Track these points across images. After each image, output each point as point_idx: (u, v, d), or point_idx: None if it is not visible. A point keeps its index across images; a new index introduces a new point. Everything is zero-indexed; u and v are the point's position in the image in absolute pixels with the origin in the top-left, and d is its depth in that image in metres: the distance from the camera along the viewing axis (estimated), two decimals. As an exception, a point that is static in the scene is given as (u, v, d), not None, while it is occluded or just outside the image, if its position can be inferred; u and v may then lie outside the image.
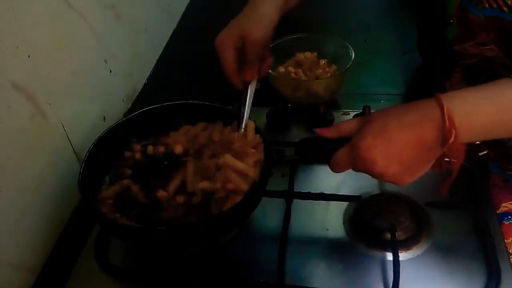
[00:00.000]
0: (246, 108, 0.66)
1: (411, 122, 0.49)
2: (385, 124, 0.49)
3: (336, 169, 0.54)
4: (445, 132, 0.47)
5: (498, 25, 0.64)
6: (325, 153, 0.57)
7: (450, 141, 0.46)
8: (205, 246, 0.65)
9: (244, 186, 0.59)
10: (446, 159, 0.50)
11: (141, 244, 0.61)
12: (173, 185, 0.64)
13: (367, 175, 0.52)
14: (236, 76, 0.65)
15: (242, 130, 0.65)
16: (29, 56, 0.61)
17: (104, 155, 0.66)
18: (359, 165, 0.50)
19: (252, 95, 0.67)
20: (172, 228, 0.58)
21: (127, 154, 0.69)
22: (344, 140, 0.53)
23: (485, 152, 0.73)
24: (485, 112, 0.48)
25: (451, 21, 0.69)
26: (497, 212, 0.68)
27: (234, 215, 0.59)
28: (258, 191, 0.61)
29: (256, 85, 0.68)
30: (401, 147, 0.48)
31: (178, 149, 0.68)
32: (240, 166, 0.59)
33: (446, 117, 0.46)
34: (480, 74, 0.71)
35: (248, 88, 0.67)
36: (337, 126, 0.55)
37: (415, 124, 0.48)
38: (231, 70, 0.65)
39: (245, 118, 0.65)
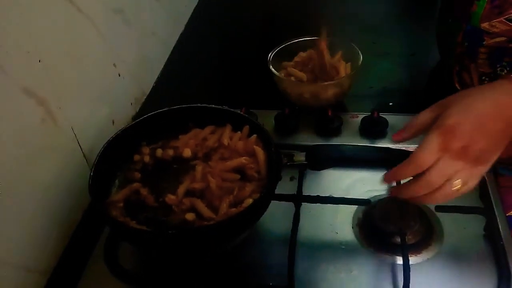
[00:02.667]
0: None
1: (493, 96, 0.50)
2: (469, 103, 0.50)
3: (424, 156, 0.50)
4: None
5: None
6: (335, 159, 0.57)
7: None
8: (215, 251, 0.65)
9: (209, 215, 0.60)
10: None
11: (151, 248, 0.61)
12: (182, 189, 0.64)
13: (378, 179, 0.51)
14: None
15: None
16: (39, 61, 0.61)
17: (113, 158, 0.66)
18: (453, 144, 0.49)
19: None
20: (182, 232, 0.58)
21: (137, 157, 0.70)
22: (361, 149, 0.53)
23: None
24: None
25: None
26: (509, 214, 0.68)
27: (243, 219, 0.59)
28: (267, 195, 0.61)
29: None
30: (485, 120, 0.49)
31: (187, 152, 0.69)
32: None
33: None
34: (503, 55, 0.70)
35: None
36: (411, 125, 0.54)
37: (496, 98, 0.50)
38: None
39: None
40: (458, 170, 0.50)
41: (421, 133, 0.53)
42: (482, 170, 0.51)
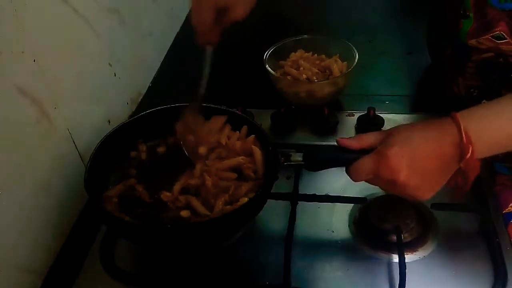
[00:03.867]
0: (206, 72, 0.69)
1: (433, 136, 0.51)
2: (410, 137, 0.52)
3: (357, 176, 0.54)
4: (462, 148, 0.49)
5: None
6: (332, 160, 0.57)
7: (467, 157, 0.49)
8: (210, 247, 0.65)
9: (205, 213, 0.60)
10: (460, 176, 0.52)
11: (146, 243, 0.61)
12: (178, 186, 0.64)
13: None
14: (206, 34, 0.67)
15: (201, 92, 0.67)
16: (34, 61, 0.61)
17: (110, 154, 0.66)
18: (384, 173, 0.51)
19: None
20: (177, 227, 0.58)
21: (133, 154, 0.70)
22: (357, 152, 0.54)
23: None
24: (500, 127, 0.50)
25: (468, 13, 0.68)
26: (506, 211, 0.68)
27: (238, 217, 0.59)
28: (262, 194, 0.60)
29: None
30: (424, 158, 0.50)
31: (203, 150, 0.67)
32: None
33: (463, 134, 0.49)
34: (493, 69, 0.71)
35: (209, 51, 0.69)
36: (359, 138, 0.56)
37: (437, 138, 0.51)
38: (204, 28, 0.66)
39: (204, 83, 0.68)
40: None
41: (365, 148, 0.55)
42: (424, 196, 0.53)
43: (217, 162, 0.66)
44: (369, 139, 0.55)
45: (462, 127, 0.49)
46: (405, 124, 0.54)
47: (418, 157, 0.50)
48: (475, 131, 0.49)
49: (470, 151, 0.48)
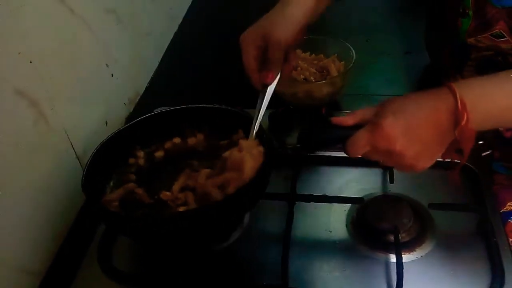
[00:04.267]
0: (260, 112, 0.63)
1: (428, 104, 0.51)
2: (404, 105, 0.51)
3: (354, 150, 0.53)
4: (457, 115, 0.48)
5: None
6: (327, 140, 0.57)
7: (462, 123, 0.48)
8: (214, 238, 0.64)
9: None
10: (456, 149, 0.51)
11: (148, 237, 0.60)
12: (177, 186, 0.64)
13: (371, 178, 0.52)
14: (255, 75, 0.63)
15: (253, 136, 0.62)
16: (31, 62, 0.61)
17: (107, 159, 0.66)
18: (380, 144, 0.50)
19: (268, 99, 0.64)
20: (178, 215, 0.58)
21: (131, 160, 0.70)
22: (351, 128, 0.53)
23: (488, 152, 0.73)
24: (496, 97, 0.50)
25: (467, 11, 0.68)
26: (503, 210, 0.68)
27: (242, 197, 0.57)
28: (265, 170, 0.59)
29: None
30: (420, 127, 0.50)
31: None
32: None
33: (459, 101, 0.48)
34: (493, 68, 0.70)
35: (265, 91, 0.63)
36: (353, 114, 0.55)
37: (432, 106, 0.50)
38: (250, 69, 0.63)
39: (257, 123, 0.62)
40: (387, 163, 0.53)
41: (360, 123, 0.54)
42: (414, 170, 0.52)
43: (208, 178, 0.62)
44: (363, 113, 0.54)
45: (457, 95, 0.48)
46: (400, 96, 0.53)
47: (414, 126, 0.49)
48: (471, 99, 0.49)
49: (465, 118, 0.48)
